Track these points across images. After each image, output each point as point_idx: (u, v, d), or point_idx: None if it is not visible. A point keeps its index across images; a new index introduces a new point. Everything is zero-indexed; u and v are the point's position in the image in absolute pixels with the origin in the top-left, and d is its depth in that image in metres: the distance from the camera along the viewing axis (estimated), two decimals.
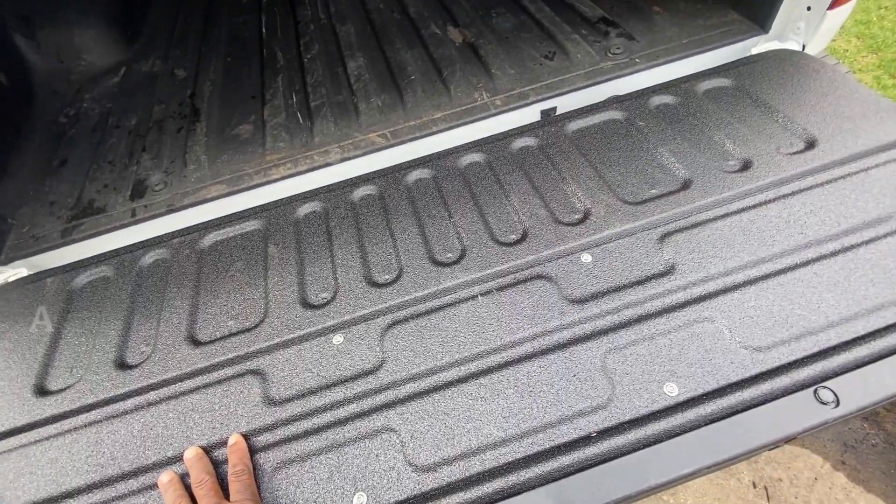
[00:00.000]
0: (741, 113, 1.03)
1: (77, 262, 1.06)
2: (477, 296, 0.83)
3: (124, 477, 0.73)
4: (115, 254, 1.06)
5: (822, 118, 0.97)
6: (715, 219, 0.85)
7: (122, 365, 0.86)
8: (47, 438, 0.78)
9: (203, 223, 1.07)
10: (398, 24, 1.54)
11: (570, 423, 0.67)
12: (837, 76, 1.05)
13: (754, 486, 1.39)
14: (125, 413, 0.79)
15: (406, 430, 0.70)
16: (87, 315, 0.95)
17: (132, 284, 0.99)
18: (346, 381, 0.76)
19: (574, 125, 1.09)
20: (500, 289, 0.83)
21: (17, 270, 1.10)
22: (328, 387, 0.76)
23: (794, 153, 0.93)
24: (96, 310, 0.96)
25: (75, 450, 0.76)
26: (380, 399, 0.73)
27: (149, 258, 1.03)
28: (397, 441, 0.69)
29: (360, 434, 0.71)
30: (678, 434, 0.65)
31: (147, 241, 1.07)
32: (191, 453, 0.72)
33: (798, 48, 1.22)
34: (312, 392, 0.76)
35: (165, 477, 0.71)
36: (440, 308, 0.82)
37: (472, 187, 1.01)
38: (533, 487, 0.63)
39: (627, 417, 0.66)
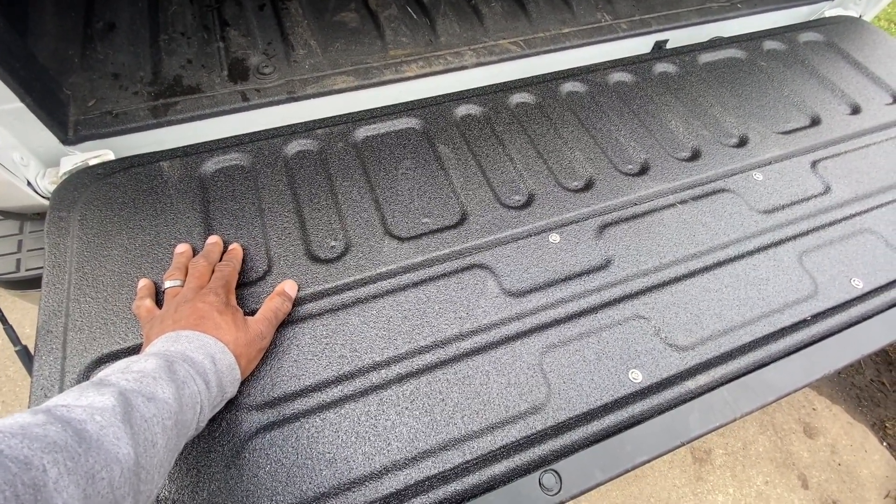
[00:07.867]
0: (837, 66, 1.18)
1: (189, 146, 0.90)
2: (675, 204, 0.89)
3: (366, 370, 0.69)
4: (239, 141, 0.91)
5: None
6: (848, 151, 1.00)
7: (316, 258, 0.78)
8: None
9: (345, 115, 0.97)
10: None
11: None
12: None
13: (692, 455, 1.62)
14: (346, 307, 0.74)
15: (656, 316, 0.75)
16: (239, 206, 0.83)
17: (285, 175, 0.87)
18: (579, 275, 0.79)
19: (704, 58, 1.15)
20: (696, 199, 0.90)
21: (102, 152, 0.90)
22: (563, 280, 0.78)
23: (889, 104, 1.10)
24: (248, 200, 0.84)
25: (303, 343, 0.70)
26: (618, 291, 0.78)
27: (292, 148, 0.91)
28: (650, 327, 0.75)
29: (612, 321, 0.75)
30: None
31: (279, 129, 0.93)
32: (213, 238, 0.77)
33: (856, 16, 1.40)
34: (549, 285, 0.78)
35: (181, 248, 0.75)
36: (645, 213, 0.87)
37: (629, 104, 1.04)
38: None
39: None
